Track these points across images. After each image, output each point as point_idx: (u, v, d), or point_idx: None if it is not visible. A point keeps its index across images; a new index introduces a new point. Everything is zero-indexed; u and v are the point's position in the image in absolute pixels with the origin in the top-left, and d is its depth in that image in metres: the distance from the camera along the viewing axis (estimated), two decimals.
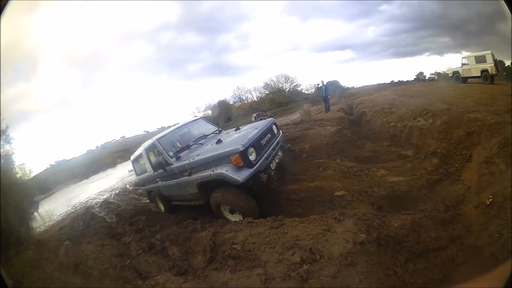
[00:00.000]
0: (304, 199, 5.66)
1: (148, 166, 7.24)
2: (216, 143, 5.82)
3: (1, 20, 3.46)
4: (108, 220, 8.19)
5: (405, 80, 16.14)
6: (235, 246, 3.98)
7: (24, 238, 6.76)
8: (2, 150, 8.89)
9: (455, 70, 11.71)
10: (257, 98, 20.36)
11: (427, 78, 15.13)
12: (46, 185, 13.72)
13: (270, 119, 6.71)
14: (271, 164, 5.63)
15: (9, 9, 3.59)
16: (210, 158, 5.35)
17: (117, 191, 11.58)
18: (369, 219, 3.78)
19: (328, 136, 8.40)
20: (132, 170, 8.97)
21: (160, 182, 6.99)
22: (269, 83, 19.99)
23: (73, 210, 10.69)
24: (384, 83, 16.72)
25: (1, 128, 8.65)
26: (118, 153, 17.75)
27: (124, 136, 19.29)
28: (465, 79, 11.12)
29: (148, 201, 8.82)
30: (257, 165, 5.10)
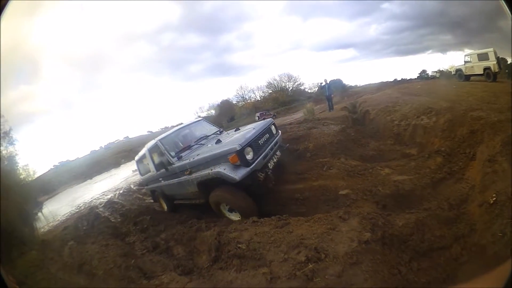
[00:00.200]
0: (309, 198, 5.67)
1: (151, 166, 7.37)
2: (216, 143, 5.97)
3: (1, 20, 3.48)
4: (113, 220, 8.21)
5: (408, 79, 16.08)
6: (240, 245, 4.01)
7: (28, 238, 6.81)
8: (5, 151, 8.95)
9: (457, 68, 11.65)
10: (260, 98, 20.34)
11: (429, 76, 15.08)
12: (50, 185, 13.76)
13: (269, 119, 6.80)
14: (269, 164, 5.72)
15: (9, 10, 3.60)
16: (209, 157, 5.49)
17: (121, 191, 11.63)
18: (373, 218, 3.79)
19: (332, 135, 8.40)
20: (136, 170, 9.10)
21: (162, 181, 7.10)
22: (272, 82, 19.96)
23: (77, 210, 10.73)
24: (387, 82, 16.68)
25: (4, 130, 8.72)
26: (122, 153, 17.76)
27: (127, 136, 19.29)
28: (468, 77, 11.06)
29: (152, 200, 8.87)
30: (254, 164, 5.21)
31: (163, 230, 6.27)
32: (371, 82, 17.81)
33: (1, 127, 8.61)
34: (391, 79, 16.83)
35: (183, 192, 6.50)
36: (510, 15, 2.77)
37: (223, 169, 5.10)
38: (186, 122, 8.26)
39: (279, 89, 19.88)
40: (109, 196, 11.34)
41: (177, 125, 8.02)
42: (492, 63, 9.91)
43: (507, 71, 9.93)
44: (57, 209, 11.14)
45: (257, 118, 16.69)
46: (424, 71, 15.36)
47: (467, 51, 11.36)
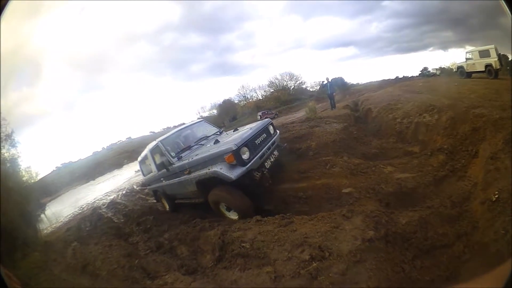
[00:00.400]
0: (312, 197, 5.68)
1: (153, 166, 7.51)
2: (214, 143, 6.08)
3: (1, 21, 3.49)
4: (116, 221, 8.23)
5: (409, 76, 16.04)
6: (244, 245, 4.03)
7: (31, 240, 6.83)
8: (8, 154, 8.98)
9: (459, 65, 11.60)
10: (262, 97, 20.26)
11: (430, 73, 15.04)
12: (53, 187, 13.77)
13: (266, 119, 6.88)
14: (266, 163, 5.83)
15: (9, 11, 3.61)
16: (207, 157, 5.62)
17: (124, 192, 11.62)
18: (377, 216, 3.80)
19: (335, 133, 8.39)
20: (139, 170, 9.16)
21: (164, 181, 7.24)
22: (273, 81, 19.90)
23: (80, 211, 10.72)
24: (388, 79, 16.63)
25: (6, 133, 8.74)
26: (124, 154, 17.79)
27: (130, 137, 19.31)
28: (469, 74, 11.02)
29: (155, 200, 8.92)
30: (249, 164, 5.32)
31: (166, 230, 6.30)
32: (373, 80, 17.77)
33: (3, 129, 8.63)
34: (393, 77, 16.79)
35: (183, 191, 6.64)
36: (510, 14, 2.78)
37: (220, 169, 5.22)
38: (187, 123, 8.46)
39: (280, 88, 19.83)
40: (112, 197, 11.33)
41: (178, 126, 8.11)
42: (493, 60, 9.88)
43: (508, 68, 9.87)
44: (60, 211, 11.16)
45: (259, 117, 16.66)
46: (425, 69, 15.31)
47: (468, 48, 11.32)
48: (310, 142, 8.24)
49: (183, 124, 8.20)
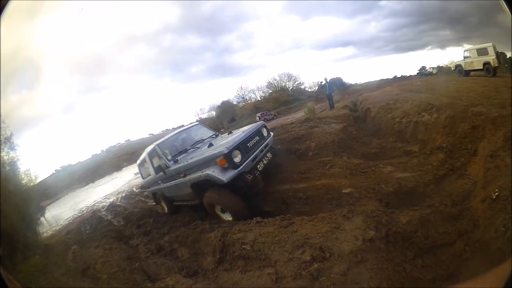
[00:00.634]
0: (312, 197, 5.68)
1: (151, 169, 7.64)
2: (208, 146, 6.18)
3: (1, 22, 3.48)
4: (116, 223, 8.25)
5: (408, 75, 16.08)
6: (244, 246, 4.02)
7: (31, 243, 6.81)
8: (7, 157, 8.97)
9: (457, 63, 11.61)
10: (260, 98, 20.24)
11: (427, 72, 15.07)
12: (52, 190, 13.77)
13: (260, 122, 6.97)
14: (258, 166, 5.93)
15: (9, 11, 3.60)
16: (200, 160, 5.77)
17: (123, 194, 11.64)
18: (377, 216, 3.81)
19: (334, 133, 8.41)
20: (138, 173, 9.21)
21: (162, 184, 7.35)
22: (272, 82, 19.89)
23: (79, 214, 10.73)
24: (387, 79, 16.67)
25: (5, 136, 8.74)
26: (123, 156, 17.78)
27: (129, 139, 19.30)
28: (467, 72, 11.02)
29: (154, 203, 8.91)
30: (241, 167, 5.45)
31: (166, 233, 6.30)
32: (371, 80, 17.81)
33: (2, 132, 8.63)
34: (391, 76, 16.82)
35: (180, 193, 6.77)
36: (510, 14, 2.78)
37: (212, 171, 5.36)
38: (183, 126, 8.57)
39: (279, 88, 19.82)
40: (111, 200, 11.35)
41: (177, 128, 8.17)
42: (491, 57, 9.89)
43: (506, 65, 9.88)
44: (59, 214, 11.14)
45: (258, 118, 16.70)
46: (423, 68, 15.34)
47: (467, 46, 11.33)
48: (310, 142, 8.26)
49: (182, 126, 8.25)
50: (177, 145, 7.43)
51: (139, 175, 9.06)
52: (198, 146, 7.04)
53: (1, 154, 8.83)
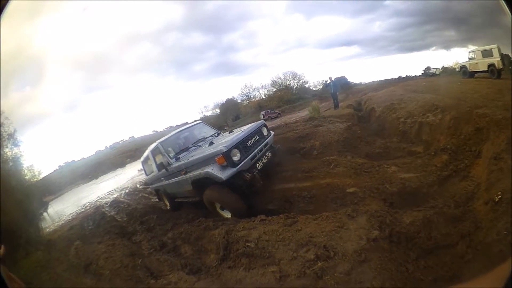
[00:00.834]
0: (316, 196, 5.69)
1: (154, 167, 7.79)
2: (209, 145, 6.33)
3: (2, 21, 3.51)
4: (119, 220, 8.28)
5: (412, 76, 16.03)
6: (248, 244, 4.04)
7: (33, 238, 6.86)
8: (10, 153, 9.03)
9: (462, 64, 11.59)
10: (265, 96, 20.20)
11: (430, 72, 15.02)
12: (56, 186, 13.81)
13: (260, 121, 7.02)
14: (257, 164, 5.99)
15: (10, 11, 3.62)
16: (201, 158, 5.91)
17: (127, 191, 11.66)
18: (381, 215, 3.81)
19: (338, 132, 8.43)
20: (141, 169, 9.32)
21: (164, 180, 7.46)
22: (276, 80, 19.82)
23: (83, 210, 10.76)
24: (391, 79, 16.64)
25: (9, 132, 8.79)
26: (127, 153, 17.80)
27: (133, 136, 19.29)
28: (472, 74, 11.00)
29: (157, 200, 8.96)
30: (240, 165, 5.54)
31: (170, 229, 6.34)
32: (376, 80, 17.76)
33: (6, 128, 8.69)
34: (395, 76, 16.77)
35: (181, 190, 6.94)
36: (510, 14, 2.79)
37: (211, 169, 5.48)
38: (187, 124, 8.92)
39: (283, 87, 19.75)
40: (115, 196, 11.38)
41: (179, 126, 8.27)
42: (496, 59, 9.86)
43: (511, 67, 9.84)
44: (62, 209, 11.20)
45: (262, 116, 16.72)
46: (428, 68, 15.30)
47: (471, 47, 11.29)
48: (314, 141, 8.29)
49: (186, 123, 8.33)
50: (179, 143, 7.53)
51: (143, 172, 9.15)
52: (199, 144, 7.13)
53: (5, 150, 8.89)
